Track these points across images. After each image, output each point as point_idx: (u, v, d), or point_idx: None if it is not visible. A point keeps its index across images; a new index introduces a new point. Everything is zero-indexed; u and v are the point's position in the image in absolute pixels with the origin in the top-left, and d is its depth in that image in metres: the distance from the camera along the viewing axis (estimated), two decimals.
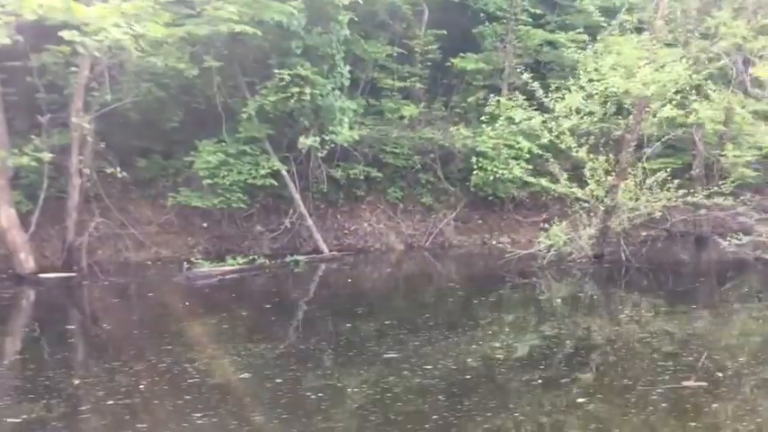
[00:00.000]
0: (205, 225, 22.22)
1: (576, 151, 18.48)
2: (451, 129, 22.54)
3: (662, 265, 18.78)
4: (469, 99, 23.63)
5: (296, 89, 20.56)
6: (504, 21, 24.49)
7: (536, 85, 18.92)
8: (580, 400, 9.00)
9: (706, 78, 18.65)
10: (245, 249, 21.85)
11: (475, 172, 22.90)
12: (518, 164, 22.22)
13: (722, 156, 20.31)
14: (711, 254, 17.89)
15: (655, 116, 18.09)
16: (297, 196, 22.31)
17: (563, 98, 18.11)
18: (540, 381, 9.84)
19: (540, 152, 21.23)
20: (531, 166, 21.53)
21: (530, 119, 18.76)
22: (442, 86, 25.85)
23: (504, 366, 10.82)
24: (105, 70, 18.75)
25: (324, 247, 22.12)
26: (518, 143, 22.51)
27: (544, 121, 18.56)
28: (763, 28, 18.45)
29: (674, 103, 17.70)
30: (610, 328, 13.31)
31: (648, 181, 18.41)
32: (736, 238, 17.11)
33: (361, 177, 23.55)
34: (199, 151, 20.63)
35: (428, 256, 23.23)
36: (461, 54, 24.33)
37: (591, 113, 18.01)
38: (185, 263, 19.03)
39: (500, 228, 24.91)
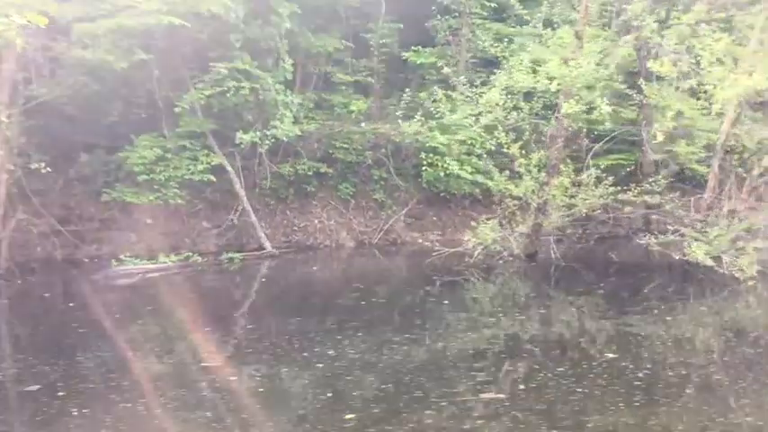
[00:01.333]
0: (149, 221, 21.71)
1: (508, 147, 17.77)
2: (402, 124, 21.74)
3: (592, 264, 18.01)
4: (422, 94, 22.93)
5: (233, 83, 19.99)
6: (458, 14, 23.74)
7: (462, 79, 18.24)
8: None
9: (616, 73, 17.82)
10: (190, 246, 21.36)
11: (424, 168, 22.22)
12: (463, 161, 21.49)
13: (670, 152, 19.43)
14: (637, 254, 17.05)
15: (589, 112, 17.29)
16: (241, 192, 21.80)
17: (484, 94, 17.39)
18: None
19: (493, 148, 20.48)
20: (482, 162, 20.64)
21: (452, 113, 18.02)
22: (400, 81, 25.18)
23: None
24: (32, 63, 18.25)
25: (267, 243, 21.59)
26: (469, 139, 21.77)
27: (472, 116, 17.82)
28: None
29: (578, 98, 16.89)
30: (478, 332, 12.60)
31: (580, 178, 17.65)
32: (655, 238, 16.36)
33: (310, 173, 22.94)
34: (135, 146, 20.10)
35: (377, 254, 22.63)
36: (413, 48, 23.63)
37: (517, 109, 17.27)
38: (113, 260, 18.54)
39: (454, 224, 24.23)
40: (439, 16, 23.96)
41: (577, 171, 19.21)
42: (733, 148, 17.23)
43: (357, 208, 24.15)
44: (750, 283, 14.53)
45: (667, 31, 16.90)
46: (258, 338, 12.26)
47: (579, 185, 18.07)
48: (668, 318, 13.22)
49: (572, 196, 18.03)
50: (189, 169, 20.46)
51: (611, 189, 17.82)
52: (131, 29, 18.81)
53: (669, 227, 16.71)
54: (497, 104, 17.29)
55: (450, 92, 20.15)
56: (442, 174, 22.50)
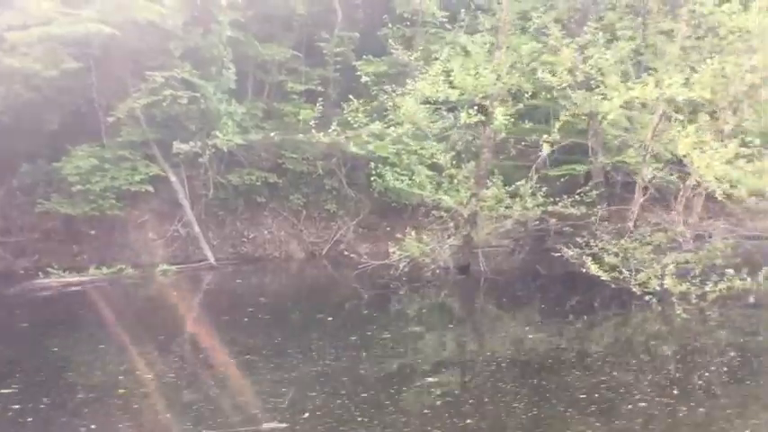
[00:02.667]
0: (92, 232, 21.16)
1: (438, 159, 17.02)
2: (315, 133, 20.63)
3: (521, 277, 17.23)
4: (374, 103, 22.20)
5: (169, 92, 19.39)
6: (409, 23, 23.03)
7: (388, 88, 17.52)
8: None
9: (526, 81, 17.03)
10: (133, 257, 20.78)
11: (373, 178, 21.43)
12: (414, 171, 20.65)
13: (621, 162, 18.58)
14: (567, 266, 16.19)
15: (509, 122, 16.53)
16: (185, 203, 21.23)
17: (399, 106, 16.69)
18: None
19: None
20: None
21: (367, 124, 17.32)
22: (355, 90, 24.45)
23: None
24: None
25: (210, 255, 20.97)
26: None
27: (388, 127, 17.10)
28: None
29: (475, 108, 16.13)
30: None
31: (510, 189, 16.87)
32: (569, 250, 15.55)
33: (258, 183, 22.28)
34: (70, 156, 19.55)
35: (324, 265, 21.93)
36: (364, 57, 22.94)
37: (443, 118, 16.50)
38: (40, 273, 17.97)
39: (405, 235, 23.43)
40: (390, 25, 23.22)
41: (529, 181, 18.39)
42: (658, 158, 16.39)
43: (309, 218, 23.48)
44: (648, 297, 13.72)
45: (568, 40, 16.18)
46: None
47: (515, 197, 17.22)
48: (569, 334, 12.48)
49: (507, 207, 17.18)
50: (127, 179, 19.82)
51: (542, 200, 16.99)
52: (60, 37, 18.24)
53: (588, 240, 15.84)
54: (413, 114, 16.47)
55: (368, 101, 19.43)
56: (391, 184, 21.70)
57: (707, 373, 10.50)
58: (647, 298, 13.74)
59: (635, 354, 11.86)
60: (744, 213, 17.02)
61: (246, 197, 22.83)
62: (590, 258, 14.63)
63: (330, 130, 19.52)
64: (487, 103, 16.40)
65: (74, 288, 17.32)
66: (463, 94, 16.01)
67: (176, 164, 21.20)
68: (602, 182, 19.65)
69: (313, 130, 19.51)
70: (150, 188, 20.05)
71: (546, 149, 16.14)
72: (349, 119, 19.07)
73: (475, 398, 9.52)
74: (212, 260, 20.68)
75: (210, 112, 20.43)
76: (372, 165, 21.67)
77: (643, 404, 8.96)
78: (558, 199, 17.10)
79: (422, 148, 17.46)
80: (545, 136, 16.23)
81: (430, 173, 18.10)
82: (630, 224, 15.95)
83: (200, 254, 21.21)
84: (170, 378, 10.43)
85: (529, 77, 16.51)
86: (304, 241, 23.07)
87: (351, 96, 19.43)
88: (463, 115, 15.80)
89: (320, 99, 21.98)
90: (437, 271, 17.14)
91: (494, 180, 17.26)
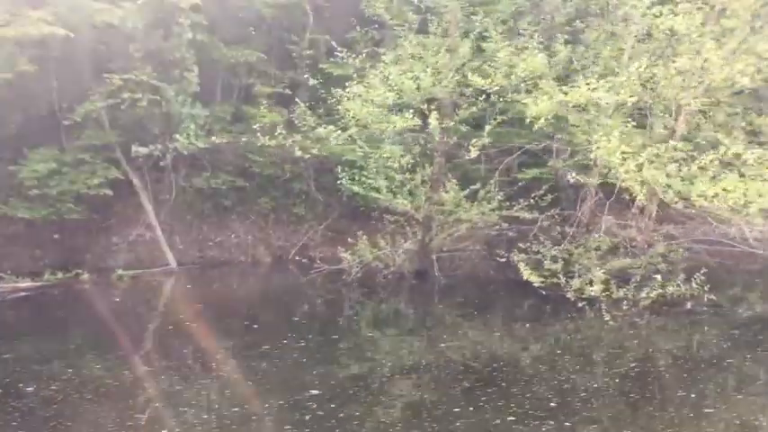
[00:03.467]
0: (56, 237, 20.78)
1: (396, 162, 16.55)
2: (260, 137, 20.00)
3: (476, 281, 16.74)
4: (339, 106, 21.70)
5: (127, 94, 19.00)
6: (378, 26, 22.55)
7: (338, 91, 17.04)
8: None
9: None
10: (96, 261, 20.40)
11: (340, 182, 20.90)
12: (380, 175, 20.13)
13: (567, 167, 18.02)
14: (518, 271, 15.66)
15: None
16: (148, 207, 20.85)
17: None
18: None
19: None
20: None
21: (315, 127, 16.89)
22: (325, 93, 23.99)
23: None
24: None
25: (171, 259, 20.56)
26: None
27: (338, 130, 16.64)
28: None
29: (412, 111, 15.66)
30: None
31: (463, 193, 16.36)
32: (515, 255, 15.04)
33: (224, 187, 21.85)
34: (28, 160, 19.17)
35: (291, 269, 21.45)
36: (331, 60, 22.44)
37: (390, 122, 16.02)
38: None
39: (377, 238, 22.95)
40: (358, 28, 22.72)
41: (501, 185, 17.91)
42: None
43: (277, 222, 23.04)
44: (582, 304, 13.23)
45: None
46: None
47: (473, 201, 16.72)
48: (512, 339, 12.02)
49: (465, 211, 16.68)
50: (85, 183, 19.42)
51: (495, 205, 16.48)
52: (15, 39, 17.87)
53: (531, 245, 15.33)
54: (361, 117, 16.00)
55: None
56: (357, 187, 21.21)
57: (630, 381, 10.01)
58: (580, 305, 13.21)
59: (567, 360, 11.34)
60: (702, 218, 16.37)
61: (214, 201, 22.43)
62: (524, 264, 14.11)
63: (276, 134, 18.96)
64: (424, 106, 15.89)
65: (21, 294, 16.88)
66: (401, 98, 15.50)
67: (140, 167, 20.79)
68: (563, 186, 19.02)
69: (258, 134, 18.96)
70: (109, 192, 19.60)
71: (473, 152, 15.61)
72: (296, 122, 18.51)
73: (428, 405, 9.25)
74: (173, 265, 20.25)
75: (173, 116, 19.98)
76: (339, 168, 21.21)
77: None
78: (513, 203, 16.57)
79: (379, 152, 16.88)
80: (474, 140, 15.72)
81: (386, 177, 17.53)
82: (573, 229, 15.40)
83: (164, 258, 20.78)
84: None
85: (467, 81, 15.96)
86: (272, 245, 22.62)
87: (297, 100, 18.92)
88: (400, 120, 15.31)
89: (303, 102, 21.46)
90: (389, 276, 16.67)
91: (448, 184, 16.76)
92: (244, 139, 19.59)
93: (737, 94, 16.03)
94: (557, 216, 16.41)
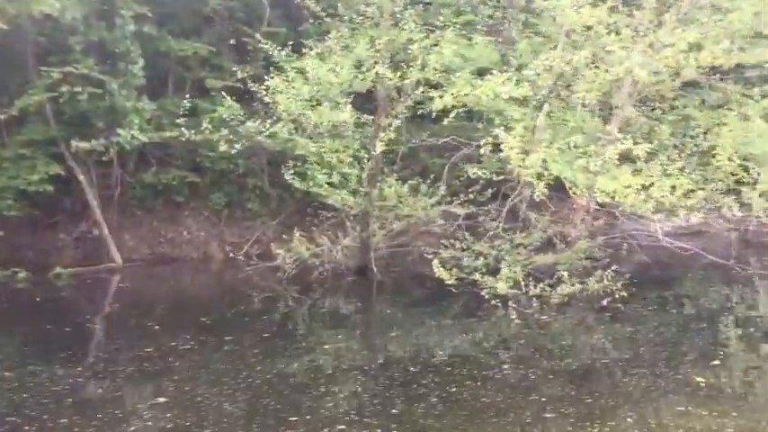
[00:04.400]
0: (0, 233, 20.10)
1: (335, 157, 15.88)
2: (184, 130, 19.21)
3: (415, 279, 16.05)
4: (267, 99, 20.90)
5: (66, 88, 18.32)
6: (329, 19, 21.77)
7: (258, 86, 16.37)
8: None
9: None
10: (43, 259, 19.75)
11: (290, 178, 20.15)
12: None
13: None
14: None
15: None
16: (94, 202, 20.17)
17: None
18: None
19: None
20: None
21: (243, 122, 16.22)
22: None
23: None
24: None
25: (117, 257, 19.90)
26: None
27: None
28: None
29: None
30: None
31: (403, 189, 15.69)
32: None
33: (174, 182, 21.19)
34: None
35: (240, 266, 20.72)
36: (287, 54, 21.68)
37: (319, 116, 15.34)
38: None
39: (333, 234, 22.27)
40: (311, 20, 21.97)
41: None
42: None
43: (231, 218, 22.36)
44: (495, 301, 12.58)
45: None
46: None
47: (415, 196, 16.05)
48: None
49: (408, 207, 16.01)
50: (26, 179, 18.75)
51: (432, 200, 15.81)
52: None
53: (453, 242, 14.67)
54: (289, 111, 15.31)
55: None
56: (311, 183, 20.49)
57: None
58: (493, 302, 12.58)
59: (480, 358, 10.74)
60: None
61: (166, 196, 21.77)
62: (437, 261, 13.48)
63: (203, 128, 18.28)
64: (343, 100, 15.21)
65: None
66: (319, 91, 14.86)
67: (86, 163, 20.14)
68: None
69: (183, 128, 18.27)
70: (50, 188, 18.91)
71: (379, 148, 14.95)
72: (225, 116, 17.82)
73: (363, 403, 8.73)
74: (118, 262, 19.60)
75: (117, 110, 19.30)
76: (291, 163, 20.51)
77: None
78: (455, 198, 15.88)
79: (317, 147, 16.21)
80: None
81: (326, 172, 16.87)
82: (500, 224, 14.73)
83: (109, 256, 20.15)
84: None
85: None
86: (225, 241, 21.95)
87: (224, 94, 18.22)
88: (314, 115, 14.67)
89: (223, 94, 20.67)
90: (324, 274, 16.03)
91: (387, 179, 16.10)
92: (189, 135, 18.78)
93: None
94: (493, 212, 15.67)
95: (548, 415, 8.19)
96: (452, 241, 14.64)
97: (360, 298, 15.54)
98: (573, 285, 12.60)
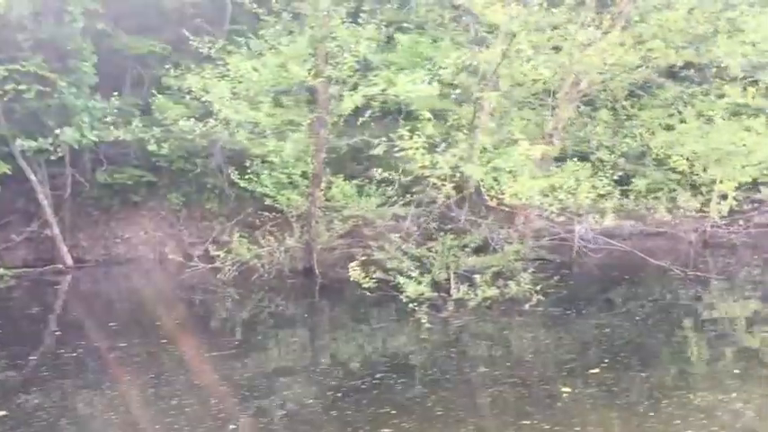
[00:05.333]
0: None
1: (277, 156, 15.34)
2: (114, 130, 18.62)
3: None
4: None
5: (11, 86, 17.76)
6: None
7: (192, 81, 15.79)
8: None
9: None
10: None
11: (247, 177, 19.57)
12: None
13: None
14: None
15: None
16: (45, 202, 19.63)
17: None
18: None
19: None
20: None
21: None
22: None
23: None
24: None
25: (68, 258, 19.39)
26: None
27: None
28: None
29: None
30: None
31: (350, 189, 15.13)
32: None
33: (130, 182, 20.65)
34: None
35: (197, 266, 20.14)
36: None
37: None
38: None
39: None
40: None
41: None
42: None
43: (189, 218, 21.80)
44: (411, 305, 12.00)
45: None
46: None
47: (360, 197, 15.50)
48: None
49: (358, 207, 15.47)
50: None
51: (377, 201, 15.27)
52: None
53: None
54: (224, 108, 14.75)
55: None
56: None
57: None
58: (410, 306, 12.00)
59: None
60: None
61: (123, 196, 21.22)
62: (354, 264, 12.94)
63: (133, 126, 17.73)
64: (264, 99, 14.65)
65: None
66: (235, 88, 14.32)
67: (38, 162, 19.60)
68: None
69: (111, 127, 17.70)
70: None
71: (288, 150, 14.40)
72: (158, 115, 17.26)
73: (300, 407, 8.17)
74: (68, 263, 19.08)
75: (68, 108, 18.74)
76: (248, 163, 19.96)
77: None
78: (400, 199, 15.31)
79: (260, 147, 15.65)
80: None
81: (269, 172, 16.34)
82: (435, 225, 14.16)
83: (60, 256, 19.63)
84: None
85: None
86: (183, 242, 21.37)
87: (154, 92, 17.62)
88: (231, 113, 14.13)
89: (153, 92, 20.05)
90: (265, 276, 15.49)
91: (335, 180, 15.54)
92: (118, 134, 18.14)
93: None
94: (429, 214, 15.05)
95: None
96: (383, 243, 14.05)
97: (297, 300, 14.97)
98: (497, 289, 11.99)
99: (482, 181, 11.68)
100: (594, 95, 16.03)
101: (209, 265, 16.01)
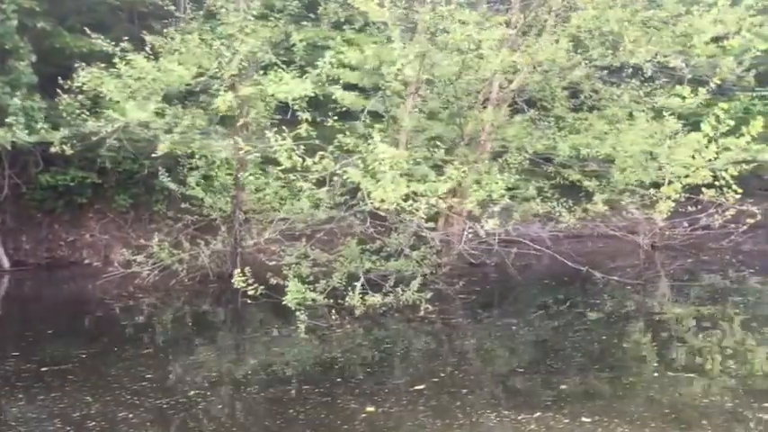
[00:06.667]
0: None
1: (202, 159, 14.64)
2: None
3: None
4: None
5: None
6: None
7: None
8: None
9: None
10: None
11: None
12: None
13: None
14: None
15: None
16: None
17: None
18: None
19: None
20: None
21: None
22: None
23: None
24: None
25: (4, 260, 18.73)
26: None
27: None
28: None
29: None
30: None
31: (284, 192, 14.41)
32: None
33: (73, 184, 19.94)
34: None
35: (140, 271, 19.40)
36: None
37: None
38: None
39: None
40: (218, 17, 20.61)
41: None
42: None
43: (137, 221, 21.10)
44: (300, 313, 11.25)
45: None
46: None
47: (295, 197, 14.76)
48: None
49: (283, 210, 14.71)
50: None
51: (308, 204, 14.52)
52: None
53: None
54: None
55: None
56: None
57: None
58: (298, 314, 11.25)
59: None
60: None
61: (68, 198, 20.53)
62: (238, 270, 12.23)
63: (38, 128, 17.01)
64: (154, 98, 13.95)
65: None
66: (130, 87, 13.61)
67: None
68: None
69: (14, 128, 16.97)
70: None
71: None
72: (64, 114, 16.53)
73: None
74: (4, 266, 18.43)
75: (2, 108, 18.06)
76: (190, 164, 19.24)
77: None
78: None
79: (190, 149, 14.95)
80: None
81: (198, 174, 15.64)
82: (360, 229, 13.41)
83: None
84: None
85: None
86: (130, 245, 20.59)
87: (58, 90, 16.91)
88: (116, 114, 13.44)
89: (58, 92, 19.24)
90: (187, 280, 14.79)
91: (269, 181, 14.82)
92: (22, 136, 17.41)
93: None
94: (358, 216, 14.28)
95: None
96: (292, 245, 13.33)
97: (223, 305, 14.24)
98: (386, 296, 11.27)
99: (360, 184, 10.91)
100: (535, 97, 15.29)
101: (128, 270, 15.24)
